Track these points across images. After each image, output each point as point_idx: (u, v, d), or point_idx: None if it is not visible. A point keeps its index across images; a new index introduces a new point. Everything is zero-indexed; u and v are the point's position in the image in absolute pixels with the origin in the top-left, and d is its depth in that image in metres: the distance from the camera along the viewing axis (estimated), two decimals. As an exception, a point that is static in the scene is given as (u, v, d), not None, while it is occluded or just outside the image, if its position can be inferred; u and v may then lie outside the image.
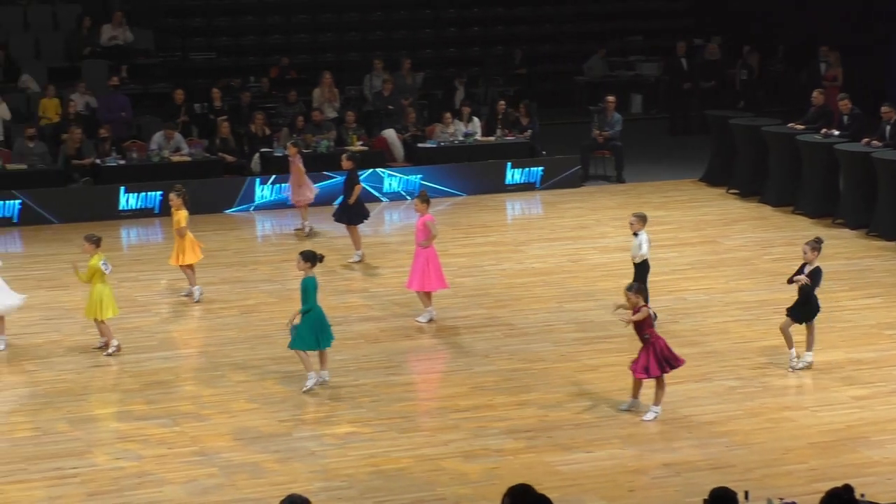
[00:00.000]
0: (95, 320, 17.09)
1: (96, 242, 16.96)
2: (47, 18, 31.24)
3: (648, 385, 15.02)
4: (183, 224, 19.23)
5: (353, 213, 21.89)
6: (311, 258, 15.82)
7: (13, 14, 30.99)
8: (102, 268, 16.83)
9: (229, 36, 32.89)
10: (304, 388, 15.74)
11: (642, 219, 17.72)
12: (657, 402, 15.00)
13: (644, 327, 14.78)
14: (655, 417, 14.93)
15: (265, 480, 13.33)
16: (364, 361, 16.88)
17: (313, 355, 15.91)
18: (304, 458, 13.92)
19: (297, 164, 23.65)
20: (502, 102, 29.09)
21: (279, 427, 14.75)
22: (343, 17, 34.20)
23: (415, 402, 15.77)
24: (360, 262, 21.61)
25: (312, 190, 23.79)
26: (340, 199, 22.40)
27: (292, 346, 15.87)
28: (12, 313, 17.62)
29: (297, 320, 15.73)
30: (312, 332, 15.76)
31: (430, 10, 35.08)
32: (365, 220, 22.02)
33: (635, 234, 17.65)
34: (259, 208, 25.83)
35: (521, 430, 14.63)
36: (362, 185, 22.53)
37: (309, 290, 15.75)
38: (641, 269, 17.67)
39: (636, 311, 14.76)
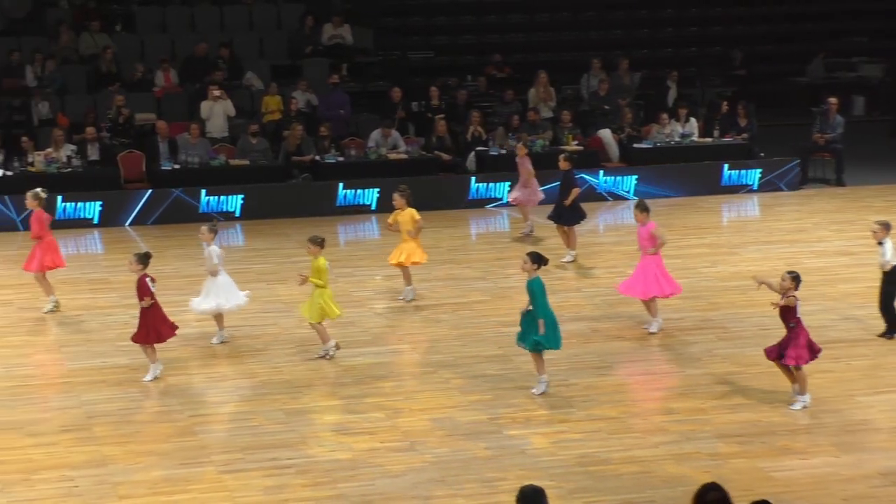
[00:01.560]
0: (311, 323, 17.07)
1: (320, 244, 16.94)
2: (271, 17, 31.93)
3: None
4: (418, 217, 19.29)
5: (569, 214, 21.87)
6: (538, 260, 15.48)
7: (238, 13, 31.74)
8: (327, 267, 16.82)
9: (447, 35, 33.14)
10: (536, 391, 15.62)
11: (885, 226, 17.34)
12: (804, 391, 15.09)
13: (790, 315, 14.84)
14: (805, 407, 15.00)
15: (474, 476, 13.40)
16: (576, 361, 16.85)
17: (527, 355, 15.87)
18: (513, 456, 13.97)
19: (526, 165, 23.50)
20: (726, 103, 28.78)
21: (489, 424, 14.81)
22: (559, 17, 34.19)
23: (625, 404, 15.67)
24: (572, 262, 21.59)
25: (538, 193, 23.65)
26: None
27: (537, 348, 15.55)
28: (236, 311, 18.01)
29: (541, 329, 15.44)
30: (555, 330, 15.56)
31: (647, 10, 34.84)
32: (581, 222, 21.98)
33: (880, 243, 17.28)
34: (474, 206, 26.00)
35: (733, 435, 14.45)
36: (580, 187, 22.44)
37: (536, 291, 15.46)
38: (892, 276, 17.32)
39: (784, 296, 14.81)
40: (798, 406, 15.06)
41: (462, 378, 16.35)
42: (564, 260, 21.54)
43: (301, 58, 30.60)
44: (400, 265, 19.59)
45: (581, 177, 25.61)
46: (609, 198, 26.46)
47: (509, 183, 25.08)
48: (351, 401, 15.59)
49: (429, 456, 13.93)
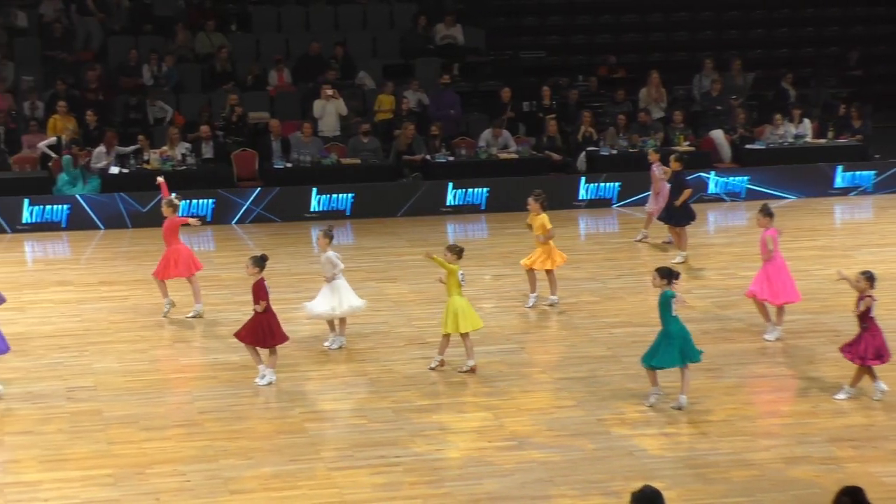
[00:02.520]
0: (446, 334, 16.57)
1: (458, 253, 16.44)
2: (384, 17, 32.08)
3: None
4: (549, 226, 19.14)
5: (679, 215, 21.76)
6: (668, 275, 15.17)
7: (352, 12, 31.93)
8: (459, 278, 16.45)
9: (560, 35, 33.08)
10: (647, 403, 15.41)
11: None
12: (853, 384, 15.48)
13: (865, 315, 15.08)
14: (848, 397, 15.43)
15: (581, 478, 13.38)
16: (685, 363, 16.74)
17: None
18: (621, 457, 13.92)
19: (656, 172, 23.22)
20: (843, 105, 28.45)
21: (597, 425, 14.78)
22: (672, 17, 33.98)
23: (735, 406, 15.54)
24: (683, 262, 21.47)
25: (664, 201, 23.34)
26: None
27: (651, 363, 15.30)
28: (356, 313, 17.99)
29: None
30: (677, 347, 15.24)
31: (762, 10, 34.50)
32: (691, 223, 21.85)
33: None
34: (582, 207, 25.95)
35: (845, 439, 14.29)
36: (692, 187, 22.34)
37: (660, 305, 15.20)
38: None
39: (861, 297, 15.06)
40: (842, 396, 15.46)
41: (570, 378, 16.32)
42: (675, 261, 21.41)
43: (413, 57, 30.72)
44: (530, 269, 19.50)
45: (698, 176, 25.55)
46: (727, 198, 26.26)
47: (646, 193, 24.58)
48: (459, 399, 15.64)
49: (536, 456, 13.93)
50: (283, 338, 16.33)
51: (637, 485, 9.83)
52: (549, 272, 19.40)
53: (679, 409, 15.19)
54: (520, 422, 14.90)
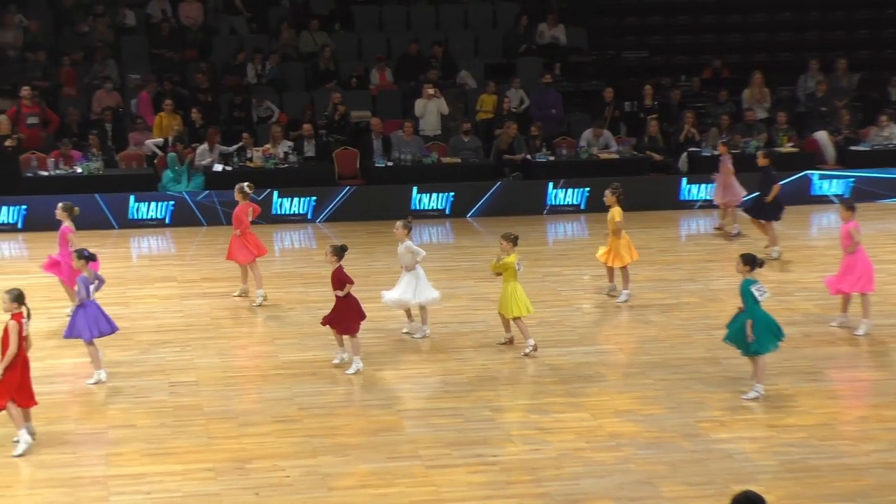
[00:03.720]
0: (503, 317, 17.37)
1: (514, 241, 17.14)
2: (487, 16, 32.11)
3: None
4: (618, 219, 19.28)
5: (767, 210, 21.83)
6: (751, 261, 15.37)
7: (454, 12, 32.00)
8: (516, 267, 17.05)
9: (662, 35, 32.90)
10: (747, 397, 15.46)
11: None
12: None
13: None
14: None
15: (681, 479, 13.32)
16: (786, 366, 16.60)
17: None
18: (720, 459, 13.84)
19: (727, 165, 23.57)
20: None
21: (696, 427, 14.70)
22: (777, 17, 33.62)
23: (835, 410, 15.40)
24: (777, 259, 21.40)
25: (739, 192, 23.59)
26: (756, 194, 22.40)
27: (752, 351, 15.44)
28: (432, 305, 18.19)
29: (749, 332, 15.28)
30: (769, 331, 15.42)
31: (868, 10, 34.05)
32: (779, 219, 21.85)
33: None
34: (684, 207, 25.82)
35: (948, 446, 14.13)
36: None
37: (745, 292, 15.38)
38: None
39: None
40: None
41: (669, 380, 16.25)
42: (772, 256, 21.33)
43: (515, 57, 30.72)
44: (610, 266, 19.61)
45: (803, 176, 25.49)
46: (835, 200, 26.01)
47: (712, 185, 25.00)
48: (557, 399, 15.62)
49: (634, 457, 13.89)
50: (361, 318, 16.80)
51: (736, 488, 9.80)
52: (621, 268, 19.58)
53: (755, 399, 15.30)
54: (618, 422, 14.86)
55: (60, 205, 18.48)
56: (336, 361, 16.84)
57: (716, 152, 26.27)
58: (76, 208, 18.65)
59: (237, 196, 19.72)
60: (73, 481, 13.27)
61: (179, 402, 15.50)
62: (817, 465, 13.66)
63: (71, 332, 16.10)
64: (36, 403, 14.23)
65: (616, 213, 19.35)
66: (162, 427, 14.72)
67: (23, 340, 13.79)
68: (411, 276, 17.76)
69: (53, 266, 18.66)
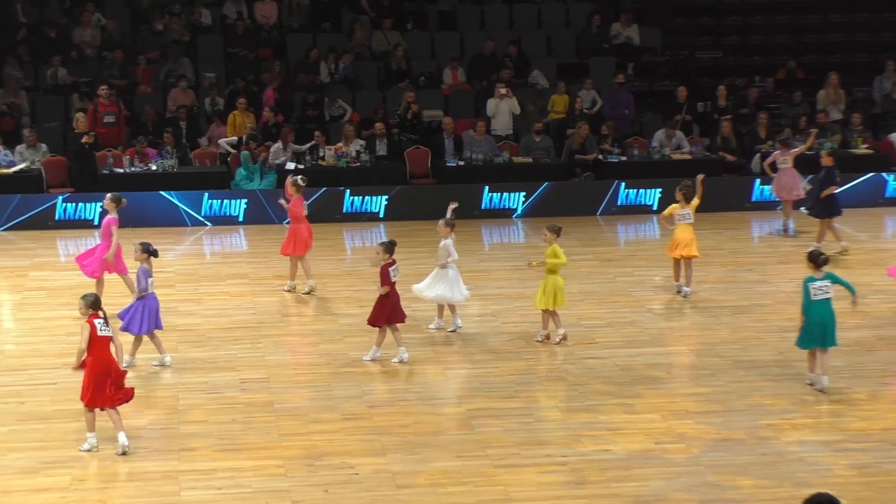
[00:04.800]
0: (544, 311, 17.54)
1: (557, 232, 17.48)
2: (560, 16, 32.08)
3: None
4: (668, 214, 19.46)
5: (822, 208, 21.86)
6: (815, 259, 15.53)
7: (527, 11, 31.99)
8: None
9: (737, 35, 32.71)
10: (815, 387, 15.74)
11: None
12: None
13: None
14: None
15: (750, 483, 13.26)
16: (858, 370, 16.49)
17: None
18: (790, 462, 13.76)
19: (786, 163, 23.71)
20: None
21: (767, 430, 14.62)
22: (853, 18, 33.34)
23: (909, 415, 15.30)
24: (844, 252, 21.57)
25: (799, 190, 23.67)
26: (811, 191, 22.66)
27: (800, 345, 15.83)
28: (460, 303, 18.33)
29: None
30: (823, 332, 15.53)
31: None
32: (834, 217, 21.91)
33: None
34: (757, 209, 25.68)
35: None
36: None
37: (803, 289, 15.54)
38: None
39: None
40: None
41: (740, 381, 16.17)
42: (837, 251, 21.31)
43: (588, 57, 30.66)
44: (677, 260, 19.80)
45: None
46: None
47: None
48: (626, 400, 15.58)
49: (704, 459, 13.83)
50: (402, 318, 17.06)
51: (807, 492, 9.78)
52: (677, 261, 19.70)
53: (822, 391, 15.49)
54: (687, 424, 14.81)
55: (109, 195, 18.72)
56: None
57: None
58: (124, 200, 18.89)
59: (290, 189, 19.90)
60: (145, 476, 13.40)
61: (250, 399, 15.62)
62: (891, 470, 13.55)
63: (125, 323, 16.27)
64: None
65: (675, 208, 19.63)
66: (233, 423, 14.84)
67: (95, 341, 13.80)
68: (443, 274, 17.92)
69: (98, 265, 18.71)
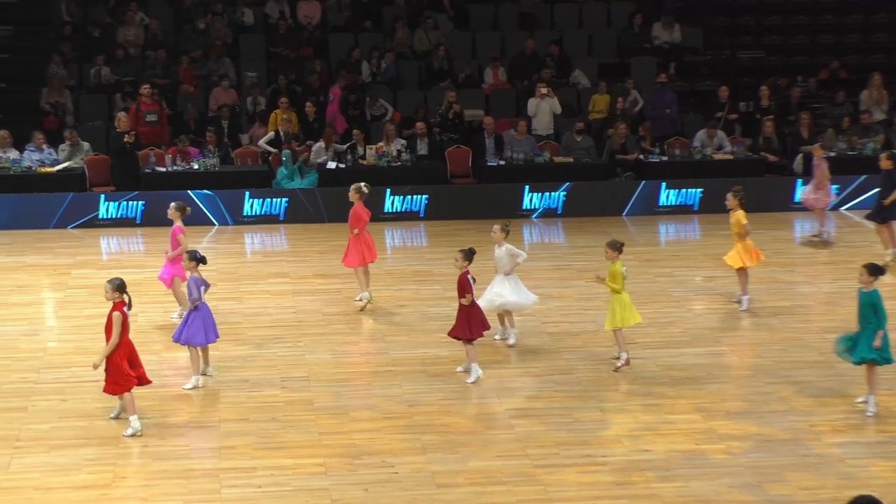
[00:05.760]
0: (614, 331, 16.75)
1: (619, 249, 16.56)
2: (601, 15, 32.04)
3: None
4: (744, 222, 18.97)
5: (886, 212, 21.64)
6: (877, 272, 14.91)
7: (568, 11, 31.95)
8: (624, 273, 16.54)
9: (779, 35, 32.57)
10: (860, 401, 15.37)
11: None
12: None
13: None
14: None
15: (791, 484, 13.21)
16: (900, 372, 16.41)
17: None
18: (832, 464, 13.70)
19: (822, 167, 23.48)
20: None
21: (809, 432, 14.56)
22: (898, 17, 33.16)
23: (953, 418, 15.19)
24: (892, 260, 21.19)
25: (829, 195, 23.59)
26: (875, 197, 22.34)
27: (864, 361, 15.12)
28: (525, 311, 18.08)
29: (877, 342, 14.91)
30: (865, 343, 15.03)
31: None
32: (888, 221, 21.71)
33: None
34: (799, 210, 25.56)
35: None
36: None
37: (878, 304, 14.87)
38: None
39: None
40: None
41: (782, 384, 16.10)
42: (886, 259, 21.07)
43: (629, 56, 30.61)
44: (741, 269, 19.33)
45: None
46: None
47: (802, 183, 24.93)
48: (668, 401, 15.55)
49: (744, 460, 13.79)
50: (484, 328, 16.46)
51: (849, 493, 9.73)
52: (740, 270, 19.20)
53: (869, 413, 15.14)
54: (728, 425, 14.77)
55: (173, 204, 18.53)
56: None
57: (832, 154, 25.97)
58: (188, 208, 18.82)
59: (353, 196, 19.43)
60: (186, 473, 13.46)
61: (290, 397, 15.66)
62: (932, 473, 13.49)
63: (180, 335, 16.00)
64: (149, 381, 14.77)
65: (741, 216, 18.99)
66: (273, 421, 14.88)
67: (126, 330, 14.12)
68: (511, 281, 17.57)
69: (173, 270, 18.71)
